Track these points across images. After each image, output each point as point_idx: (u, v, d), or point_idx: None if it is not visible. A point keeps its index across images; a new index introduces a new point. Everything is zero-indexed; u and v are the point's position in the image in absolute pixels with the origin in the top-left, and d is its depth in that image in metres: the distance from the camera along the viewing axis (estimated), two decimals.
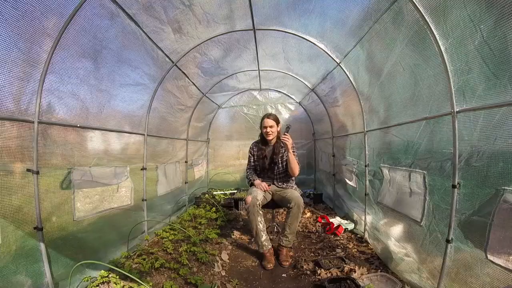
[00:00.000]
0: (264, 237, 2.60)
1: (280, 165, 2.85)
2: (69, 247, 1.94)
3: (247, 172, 3.07)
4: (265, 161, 2.90)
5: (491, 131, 1.37)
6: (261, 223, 2.58)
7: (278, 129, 2.85)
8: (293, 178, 2.92)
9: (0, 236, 1.45)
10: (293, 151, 2.71)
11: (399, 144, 2.30)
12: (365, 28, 2.27)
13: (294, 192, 2.73)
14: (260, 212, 2.61)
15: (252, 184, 2.94)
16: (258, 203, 2.59)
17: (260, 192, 2.72)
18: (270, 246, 2.64)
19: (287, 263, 2.59)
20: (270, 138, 2.82)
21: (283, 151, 2.83)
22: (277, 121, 2.81)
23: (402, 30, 1.92)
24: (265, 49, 3.48)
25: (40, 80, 1.64)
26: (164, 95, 3.27)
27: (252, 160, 3.02)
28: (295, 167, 2.72)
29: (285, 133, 2.59)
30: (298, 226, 3.62)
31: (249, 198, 2.62)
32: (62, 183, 1.93)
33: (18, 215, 1.57)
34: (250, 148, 3.05)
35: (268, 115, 2.82)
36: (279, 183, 2.89)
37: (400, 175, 2.25)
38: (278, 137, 2.85)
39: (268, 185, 2.85)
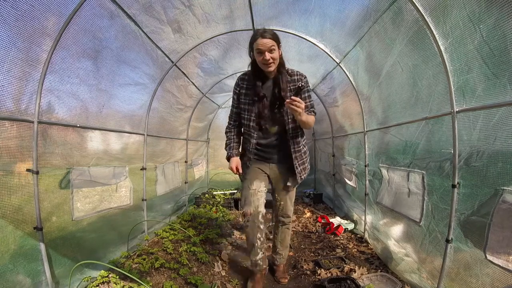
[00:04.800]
0: (260, 255, 1.97)
1: (290, 115, 1.82)
2: (69, 247, 1.94)
3: (226, 131, 2.04)
4: (264, 104, 1.82)
5: (490, 131, 1.37)
6: (260, 240, 1.95)
7: (280, 53, 1.79)
8: (305, 141, 2.00)
9: None
10: (312, 112, 1.88)
11: (398, 144, 2.30)
12: (365, 28, 2.27)
13: (291, 200, 2.09)
14: (262, 226, 1.93)
15: (229, 157, 1.99)
16: (260, 216, 1.91)
17: (262, 196, 1.92)
18: (264, 266, 2.07)
19: (286, 280, 2.23)
20: (270, 69, 1.74)
21: (293, 88, 1.82)
22: (277, 40, 1.73)
23: (402, 30, 1.92)
24: None
25: (40, 80, 1.64)
26: (164, 95, 3.27)
27: (237, 105, 1.94)
28: (311, 120, 1.83)
29: (295, 96, 1.59)
30: (298, 226, 3.63)
31: (248, 210, 1.90)
32: (62, 183, 1.93)
33: (18, 215, 1.57)
34: (236, 84, 1.94)
35: (262, 32, 1.69)
36: (289, 154, 1.90)
37: (399, 175, 2.25)
38: (281, 66, 1.81)
39: (267, 162, 1.98)
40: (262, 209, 1.91)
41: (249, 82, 1.87)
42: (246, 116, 1.89)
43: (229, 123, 2.04)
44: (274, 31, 1.73)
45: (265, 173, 2.02)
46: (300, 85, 1.60)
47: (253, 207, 1.89)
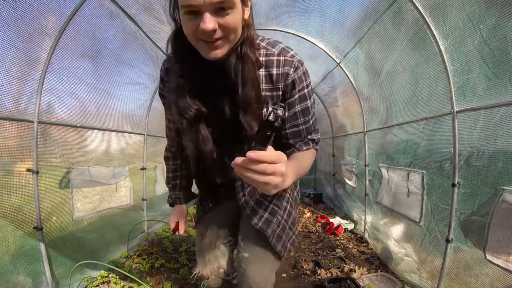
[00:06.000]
0: None
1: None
2: (69, 247, 1.94)
3: (166, 156, 1.19)
4: (203, 134, 0.84)
5: (491, 131, 1.37)
6: None
7: (248, 15, 0.73)
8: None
9: None
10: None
11: (399, 144, 2.30)
12: (365, 28, 2.27)
13: (266, 264, 0.99)
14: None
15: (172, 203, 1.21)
16: (221, 276, 1.08)
17: (221, 253, 1.08)
18: None
19: None
20: (216, 54, 0.69)
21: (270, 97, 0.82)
22: None
23: (402, 30, 1.92)
24: None
25: (39, 80, 1.64)
26: None
27: (169, 122, 0.99)
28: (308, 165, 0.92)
29: (264, 145, 0.77)
30: (298, 226, 3.63)
31: (205, 272, 1.08)
32: (62, 183, 1.93)
33: (18, 215, 1.57)
34: (160, 80, 0.95)
35: None
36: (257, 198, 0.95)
37: (399, 175, 2.25)
38: (245, 42, 0.74)
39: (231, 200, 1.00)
40: (224, 265, 1.08)
41: (178, 76, 0.81)
42: (184, 146, 0.87)
43: (168, 145, 1.13)
44: None
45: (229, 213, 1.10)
46: (268, 132, 0.83)
47: (211, 269, 1.08)
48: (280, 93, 0.82)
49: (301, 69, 0.81)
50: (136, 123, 2.85)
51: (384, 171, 2.52)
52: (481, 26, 1.33)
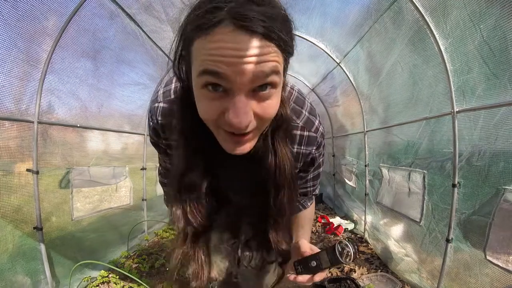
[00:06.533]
0: None
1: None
2: (69, 247, 1.94)
3: (161, 184, 0.94)
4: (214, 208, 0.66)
5: (491, 131, 1.37)
6: None
7: (284, 84, 0.53)
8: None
9: None
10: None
11: (399, 144, 2.30)
12: (365, 27, 2.27)
13: None
14: None
15: None
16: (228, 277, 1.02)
17: (226, 255, 0.98)
18: None
19: None
20: (243, 149, 0.49)
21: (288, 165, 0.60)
22: (286, 45, 0.44)
23: (402, 30, 1.92)
24: None
25: (40, 80, 1.64)
26: None
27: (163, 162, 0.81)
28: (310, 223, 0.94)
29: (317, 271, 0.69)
30: None
31: (212, 274, 0.96)
32: (62, 183, 1.93)
33: (17, 215, 1.57)
34: (153, 132, 0.69)
35: (238, 9, 0.37)
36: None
37: (400, 175, 2.25)
38: (280, 119, 0.55)
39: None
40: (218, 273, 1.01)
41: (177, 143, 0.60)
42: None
43: (163, 172, 0.89)
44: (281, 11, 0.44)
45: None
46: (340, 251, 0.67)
47: (217, 269, 1.01)
48: (297, 170, 0.71)
49: (323, 144, 0.71)
50: (136, 123, 2.85)
51: (385, 171, 2.51)
52: (482, 26, 1.33)
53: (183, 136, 0.56)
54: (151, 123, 0.67)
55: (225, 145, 0.49)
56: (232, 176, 0.64)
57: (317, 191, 0.90)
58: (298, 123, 0.65)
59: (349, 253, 0.67)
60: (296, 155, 0.67)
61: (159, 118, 0.64)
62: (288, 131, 0.58)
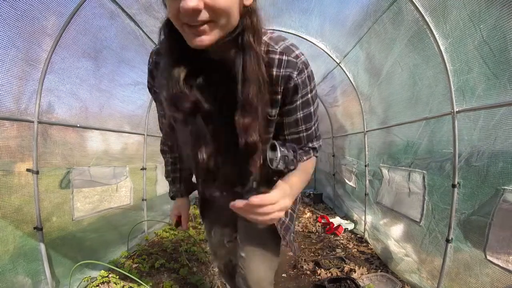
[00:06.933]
0: None
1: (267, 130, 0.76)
2: (69, 247, 1.94)
3: (163, 150, 1.07)
4: (199, 128, 0.70)
5: (491, 131, 1.37)
6: None
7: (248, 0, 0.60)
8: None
9: None
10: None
11: (399, 144, 2.30)
12: (365, 28, 2.27)
13: (266, 261, 0.97)
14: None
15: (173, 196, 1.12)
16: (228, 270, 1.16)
17: (229, 249, 1.10)
18: None
19: None
20: (201, 41, 0.56)
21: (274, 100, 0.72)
22: None
23: (402, 30, 1.92)
24: None
25: (40, 80, 1.64)
26: None
27: (161, 117, 0.90)
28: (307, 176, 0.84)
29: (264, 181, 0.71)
30: (298, 226, 3.63)
31: (218, 267, 1.25)
32: (62, 183, 1.93)
33: (18, 215, 1.57)
34: (148, 71, 0.82)
35: None
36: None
37: (400, 175, 2.25)
38: (247, 30, 0.61)
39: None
40: (229, 260, 1.13)
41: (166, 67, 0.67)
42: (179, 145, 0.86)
43: (163, 138, 1.04)
44: None
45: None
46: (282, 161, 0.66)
47: (223, 262, 1.14)
48: (279, 96, 0.71)
49: (306, 72, 0.71)
50: (136, 123, 2.85)
51: (385, 171, 2.52)
52: (481, 26, 1.33)
53: (169, 51, 0.65)
54: (148, 67, 0.81)
55: (187, 39, 0.58)
56: (214, 94, 0.68)
57: (315, 144, 0.84)
58: (276, 49, 0.69)
59: (276, 158, 0.64)
60: (276, 78, 0.69)
61: (154, 57, 0.78)
62: (257, 37, 0.63)
